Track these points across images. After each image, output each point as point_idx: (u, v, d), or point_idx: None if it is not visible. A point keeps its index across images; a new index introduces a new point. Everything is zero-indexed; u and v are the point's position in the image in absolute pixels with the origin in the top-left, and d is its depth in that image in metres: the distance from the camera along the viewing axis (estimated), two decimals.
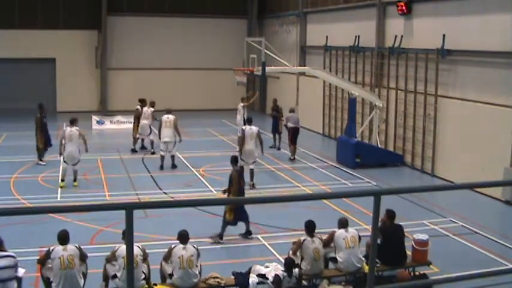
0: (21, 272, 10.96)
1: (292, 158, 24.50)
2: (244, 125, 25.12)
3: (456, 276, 10.48)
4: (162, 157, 22.45)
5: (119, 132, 30.40)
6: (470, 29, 20.60)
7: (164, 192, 19.38)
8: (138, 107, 25.40)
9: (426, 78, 22.48)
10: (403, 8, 23.60)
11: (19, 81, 36.41)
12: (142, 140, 25.58)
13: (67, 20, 37.45)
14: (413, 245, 12.73)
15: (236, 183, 15.13)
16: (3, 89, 36.15)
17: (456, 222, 16.67)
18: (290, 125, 24.66)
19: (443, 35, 21.35)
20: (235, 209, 14.72)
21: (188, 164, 23.14)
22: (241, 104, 26.60)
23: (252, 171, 20.01)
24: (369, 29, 26.39)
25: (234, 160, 15.96)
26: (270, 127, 27.22)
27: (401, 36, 24.13)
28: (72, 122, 20.22)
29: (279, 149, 26.44)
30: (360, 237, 12.44)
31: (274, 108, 27.09)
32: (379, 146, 24.59)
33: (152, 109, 25.09)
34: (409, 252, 12.79)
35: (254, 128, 20.25)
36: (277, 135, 26.75)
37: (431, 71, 22.19)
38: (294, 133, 24.58)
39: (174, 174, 19.85)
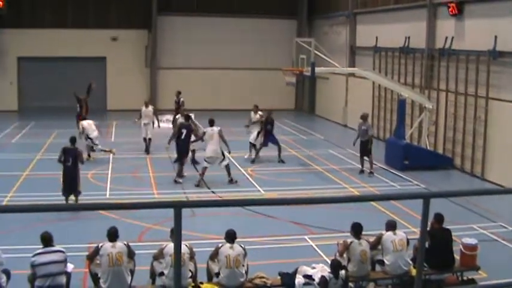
0: (70, 267, 11.19)
1: (371, 171, 22.40)
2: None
3: (505, 282, 10.31)
4: (145, 139, 25.35)
5: (167, 130, 30.60)
6: None
7: (212, 192, 19.48)
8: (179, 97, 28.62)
9: (477, 80, 22.16)
10: (454, 8, 23.30)
11: (71, 79, 36.94)
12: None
13: (118, 19, 37.99)
14: (462, 249, 12.57)
15: None
16: (56, 86, 36.79)
17: (506, 227, 16.40)
18: (363, 138, 22.42)
19: (495, 37, 21.01)
20: None
21: (236, 164, 23.14)
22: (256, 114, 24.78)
23: (201, 170, 20.43)
24: (419, 30, 26.10)
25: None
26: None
27: (452, 37, 23.81)
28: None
29: (253, 161, 24.11)
30: (408, 240, 12.35)
31: (268, 120, 24.35)
32: (428, 148, 24.32)
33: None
34: (457, 257, 12.64)
35: (215, 129, 20.33)
36: (258, 146, 24.40)
37: (482, 73, 21.86)
38: (368, 144, 22.39)
39: (221, 174, 19.94)
